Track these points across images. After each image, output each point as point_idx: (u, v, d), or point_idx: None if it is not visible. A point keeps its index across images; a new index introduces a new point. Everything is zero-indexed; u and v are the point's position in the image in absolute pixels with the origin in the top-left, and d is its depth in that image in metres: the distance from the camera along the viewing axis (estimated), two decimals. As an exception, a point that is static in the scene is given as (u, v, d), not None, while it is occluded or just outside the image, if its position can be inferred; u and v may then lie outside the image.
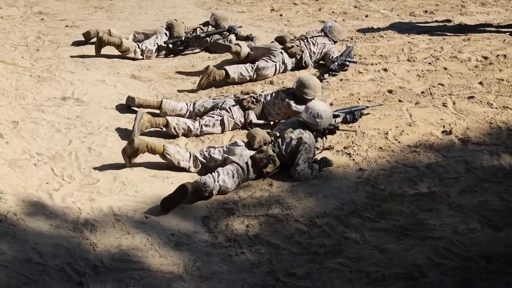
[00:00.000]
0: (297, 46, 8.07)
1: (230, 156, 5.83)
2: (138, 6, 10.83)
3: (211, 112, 6.81)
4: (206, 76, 7.55)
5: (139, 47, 8.50)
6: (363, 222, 5.16)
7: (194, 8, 10.75)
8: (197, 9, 10.67)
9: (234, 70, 7.77)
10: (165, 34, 8.70)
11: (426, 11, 10.21)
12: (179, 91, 7.64)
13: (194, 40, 8.73)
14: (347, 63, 8.02)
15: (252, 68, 7.87)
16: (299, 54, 8.10)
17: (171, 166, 5.97)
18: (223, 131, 6.74)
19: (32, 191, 5.44)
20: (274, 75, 8.01)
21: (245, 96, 6.85)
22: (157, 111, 6.89)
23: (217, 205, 5.49)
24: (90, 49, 8.72)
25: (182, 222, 5.25)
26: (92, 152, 6.19)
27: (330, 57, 8.14)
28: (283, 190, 5.70)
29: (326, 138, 6.29)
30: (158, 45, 8.61)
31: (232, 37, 8.77)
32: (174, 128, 6.55)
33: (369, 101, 7.24)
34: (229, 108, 6.79)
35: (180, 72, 8.19)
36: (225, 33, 8.75)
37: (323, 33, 8.38)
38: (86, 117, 6.89)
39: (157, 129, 6.61)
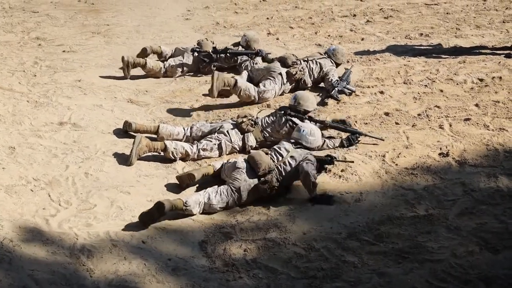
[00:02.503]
0: (300, 71, 8.13)
1: (231, 181, 5.85)
2: (135, 31, 10.89)
3: (209, 136, 6.81)
4: (215, 80, 7.61)
5: (164, 66, 8.77)
6: (361, 246, 5.14)
7: (191, 33, 10.81)
8: (194, 34, 10.73)
9: (244, 82, 7.87)
10: (192, 54, 8.88)
11: (421, 34, 10.27)
12: (176, 115, 7.67)
13: (221, 56, 8.89)
14: (346, 90, 8.06)
15: (256, 90, 7.91)
16: (301, 78, 8.18)
17: (165, 191, 6.01)
18: (220, 155, 6.73)
19: (28, 217, 5.42)
20: (274, 97, 8.06)
21: (244, 119, 6.87)
22: (154, 136, 6.90)
23: (214, 229, 5.46)
24: (86, 74, 8.77)
25: (179, 246, 5.23)
26: (89, 177, 6.17)
27: (330, 80, 8.17)
28: (280, 214, 5.68)
29: (326, 168, 6.25)
30: (182, 63, 8.84)
31: (259, 59, 8.89)
32: (172, 153, 6.54)
33: (366, 123, 7.25)
34: (227, 131, 6.80)
35: (177, 96, 8.22)
36: (252, 55, 8.89)
37: (327, 56, 8.44)
38: (83, 142, 6.88)
39: (154, 153, 6.61)
